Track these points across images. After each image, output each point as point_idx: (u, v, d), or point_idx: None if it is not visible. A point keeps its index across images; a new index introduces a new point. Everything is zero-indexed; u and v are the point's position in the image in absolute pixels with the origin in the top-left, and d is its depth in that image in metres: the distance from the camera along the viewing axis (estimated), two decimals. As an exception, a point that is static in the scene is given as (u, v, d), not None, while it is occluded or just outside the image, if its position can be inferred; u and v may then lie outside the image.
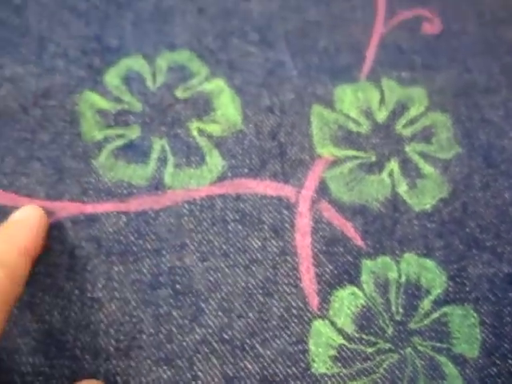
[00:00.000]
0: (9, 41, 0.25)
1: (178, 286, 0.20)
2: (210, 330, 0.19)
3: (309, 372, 0.18)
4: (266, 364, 0.18)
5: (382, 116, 0.24)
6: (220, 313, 0.19)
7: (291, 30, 0.26)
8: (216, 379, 0.18)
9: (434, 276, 0.20)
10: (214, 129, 0.23)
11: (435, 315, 0.19)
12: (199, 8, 0.27)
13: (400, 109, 0.24)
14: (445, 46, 0.26)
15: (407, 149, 0.23)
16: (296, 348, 0.19)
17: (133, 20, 0.26)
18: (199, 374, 0.18)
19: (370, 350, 0.19)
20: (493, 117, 0.24)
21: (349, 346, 0.19)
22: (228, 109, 0.23)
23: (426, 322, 0.19)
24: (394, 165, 0.23)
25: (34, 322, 0.19)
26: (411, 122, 0.24)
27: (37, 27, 0.26)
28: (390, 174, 0.22)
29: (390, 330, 0.19)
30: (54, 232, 0.20)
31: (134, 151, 0.22)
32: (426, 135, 0.23)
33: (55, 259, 0.20)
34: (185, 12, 0.26)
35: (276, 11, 0.27)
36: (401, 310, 0.19)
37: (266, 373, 0.18)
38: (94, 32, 0.25)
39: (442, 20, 0.27)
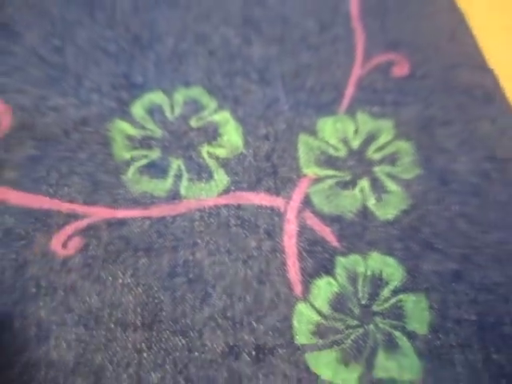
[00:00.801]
0: (52, 76, 0.30)
1: (190, 276, 0.25)
2: (216, 309, 0.24)
3: (293, 343, 0.23)
4: (259, 336, 0.23)
5: (356, 143, 0.29)
6: (224, 296, 0.24)
7: (286, 71, 0.31)
8: (220, 347, 0.23)
9: (393, 270, 0.25)
10: (221, 152, 0.28)
11: (393, 300, 0.24)
12: (209, 51, 0.32)
13: (371, 137, 0.29)
14: (411, 86, 0.31)
15: (376, 170, 0.28)
16: (283, 324, 0.24)
17: (154, 60, 0.31)
18: (207, 342, 0.23)
19: (340, 325, 0.24)
20: (448, 145, 0.29)
21: (324, 322, 0.24)
22: (232, 136, 0.28)
23: (385, 306, 0.24)
24: (364, 183, 0.28)
25: (77, 302, 0.24)
26: (380, 148, 0.29)
27: (74, 65, 0.31)
28: (362, 190, 0.27)
29: (356, 311, 0.24)
30: (91, 231, 0.26)
31: (155, 169, 0.27)
32: (392, 159, 0.29)
33: (93, 252, 0.25)
34: (197, 54, 0.32)
35: (274, 55, 0.32)
36: (366, 296, 0.24)
37: (259, 342, 0.23)
38: (122, 70, 0.31)
39: (409, 64, 0.32)
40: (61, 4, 0.33)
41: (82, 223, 0.26)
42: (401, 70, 0.32)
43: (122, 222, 0.26)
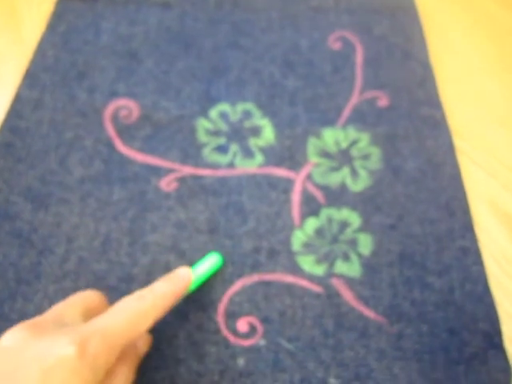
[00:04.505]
0: (163, 89, 0.50)
1: (235, 208, 0.43)
2: (248, 228, 0.42)
3: (291, 249, 0.41)
4: (273, 244, 0.41)
5: (344, 145, 0.47)
6: (254, 219, 0.42)
7: (307, 97, 0.50)
8: (250, 247, 0.41)
9: (355, 219, 0.42)
10: (260, 142, 0.47)
11: (352, 235, 0.42)
12: (260, 81, 0.50)
13: (354, 142, 0.47)
14: (387, 114, 0.49)
15: (355, 163, 0.46)
16: (287, 239, 0.42)
17: (225, 84, 0.50)
18: (244, 244, 0.41)
19: (318, 243, 0.41)
20: (403, 152, 0.47)
21: (309, 241, 0.41)
22: (268, 134, 0.47)
23: (346, 238, 0.42)
24: (346, 169, 0.46)
25: (172, 214, 0.43)
26: (359, 149, 0.47)
27: (176, 83, 0.50)
28: (343, 173, 0.45)
29: (328, 238, 0.42)
30: (182, 179, 0.44)
31: (221, 149, 0.46)
32: (365, 157, 0.46)
33: (183, 191, 0.44)
34: (252, 82, 0.50)
35: (300, 86, 0.50)
36: (335, 231, 0.42)
37: (273, 248, 0.41)
38: (205, 88, 0.49)
39: (389, 99, 0.50)
40: (167, 43, 0.53)
41: (177, 174, 0.44)
42: (382, 102, 0.50)
43: (200, 176, 0.45)
